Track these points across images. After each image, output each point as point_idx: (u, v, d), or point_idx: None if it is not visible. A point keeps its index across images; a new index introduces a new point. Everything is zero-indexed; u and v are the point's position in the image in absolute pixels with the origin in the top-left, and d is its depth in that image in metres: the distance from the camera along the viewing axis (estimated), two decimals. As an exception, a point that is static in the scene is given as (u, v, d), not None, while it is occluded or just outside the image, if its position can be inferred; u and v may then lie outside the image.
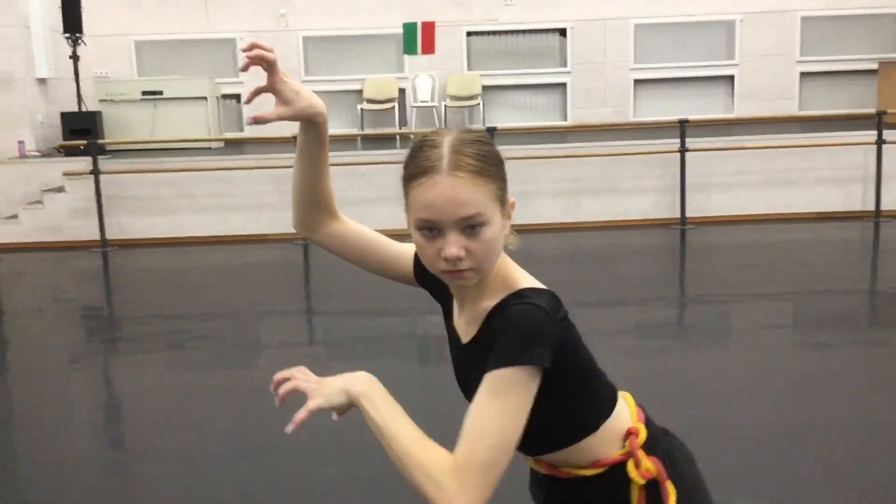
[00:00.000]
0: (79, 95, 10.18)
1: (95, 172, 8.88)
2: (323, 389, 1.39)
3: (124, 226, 9.23)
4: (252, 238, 9.19)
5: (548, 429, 1.45)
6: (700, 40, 11.92)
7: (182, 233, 9.23)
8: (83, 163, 9.07)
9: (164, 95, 10.46)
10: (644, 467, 1.48)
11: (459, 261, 1.37)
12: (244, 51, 1.51)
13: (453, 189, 1.35)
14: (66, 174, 9.17)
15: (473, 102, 11.41)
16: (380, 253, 1.68)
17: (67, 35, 9.96)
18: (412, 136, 11.14)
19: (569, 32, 11.75)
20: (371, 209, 9.24)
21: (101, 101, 10.44)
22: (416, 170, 1.38)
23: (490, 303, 1.47)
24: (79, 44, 10.07)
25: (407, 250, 1.67)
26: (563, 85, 11.88)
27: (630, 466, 1.49)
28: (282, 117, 1.53)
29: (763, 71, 11.73)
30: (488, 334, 1.42)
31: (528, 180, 9.30)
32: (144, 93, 10.47)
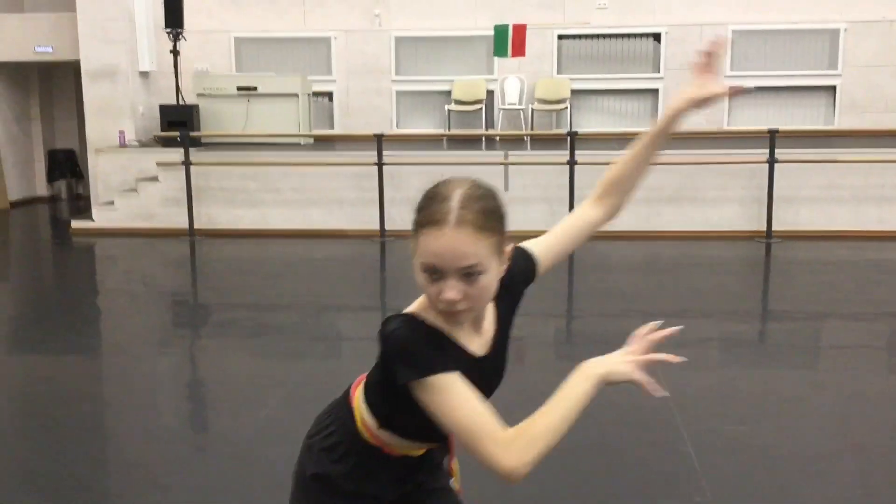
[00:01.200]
0: (177, 89, 10.61)
1: (186, 163, 9.25)
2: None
3: (212, 216, 9.57)
4: (331, 233, 9.37)
5: None
6: (801, 48, 11.48)
7: (265, 225, 9.50)
8: (176, 154, 9.46)
9: (258, 91, 10.78)
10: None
11: (457, 303, 1.53)
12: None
13: (457, 242, 1.50)
14: (159, 164, 9.58)
15: (561, 106, 11.32)
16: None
17: (169, 30, 10.39)
18: (498, 138, 11.17)
19: (663, 37, 11.52)
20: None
21: (198, 94, 10.85)
22: (425, 220, 1.53)
23: (493, 319, 1.72)
24: (179, 39, 10.50)
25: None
26: (656, 91, 11.65)
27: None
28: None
29: (867, 82, 11.20)
30: (499, 342, 1.73)
31: (608, 186, 9.18)
32: (240, 88, 10.80)
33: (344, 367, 5.21)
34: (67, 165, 12.79)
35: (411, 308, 1.65)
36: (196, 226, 9.41)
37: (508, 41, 11.61)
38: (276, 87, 10.76)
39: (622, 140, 10.09)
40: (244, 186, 9.56)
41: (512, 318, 1.76)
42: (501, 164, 9.29)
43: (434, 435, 1.66)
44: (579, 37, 11.69)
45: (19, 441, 3.96)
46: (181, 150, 9.33)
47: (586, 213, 1.96)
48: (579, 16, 11.63)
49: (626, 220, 8.96)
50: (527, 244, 1.83)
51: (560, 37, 11.67)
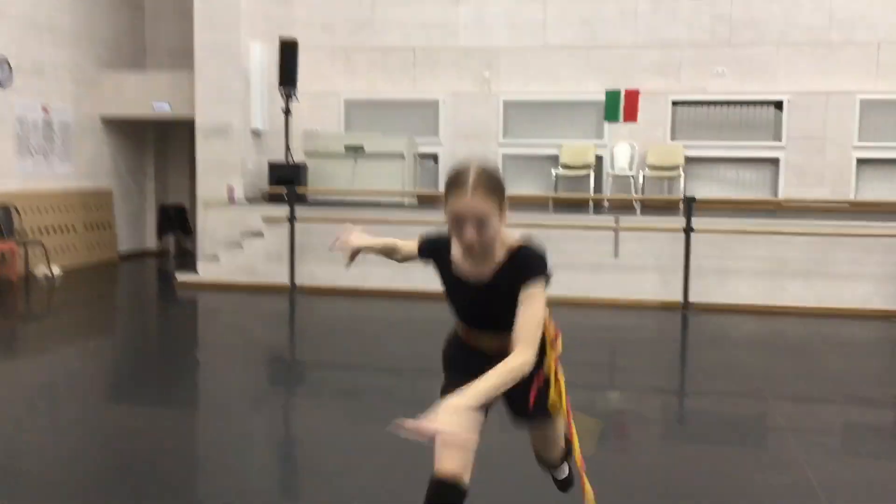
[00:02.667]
0: (287, 147, 10.68)
1: (291, 219, 9.20)
2: (450, 426, 2.18)
3: (313, 273, 9.46)
4: (431, 295, 9.08)
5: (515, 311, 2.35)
6: (938, 119, 10.74)
7: (365, 284, 9.32)
8: (282, 210, 9.43)
9: (365, 151, 10.76)
10: (550, 335, 2.61)
11: (472, 241, 2.31)
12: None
13: (472, 202, 2.27)
14: (265, 219, 9.57)
15: (674, 173, 10.87)
16: (404, 253, 2.80)
17: (282, 88, 10.52)
18: (607, 202, 10.78)
19: (785, 105, 10.98)
20: (555, 274, 8.92)
21: (306, 153, 10.90)
22: (452, 187, 2.32)
23: (499, 258, 2.40)
24: (292, 99, 10.61)
25: (412, 246, 2.73)
26: (776, 160, 11.07)
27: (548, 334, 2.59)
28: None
29: None
30: (503, 275, 2.38)
31: (728, 256, 8.65)
32: (347, 147, 10.81)
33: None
34: (177, 220, 13.04)
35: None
36: (297, 282, 9.30)
37: (620, 106, 11.35)
38: (382, 147, 10.72)
39: (740, 209, 9.59)
40: (348, 244, 9.42)
41: (515, 292, 2.35)
42: (612, 228, 8.88)
43: (464, 320, 2.61)
44: (695, 103, 11.27)
45: (101, 496, 3.72)
46: (286, 207, 9.30)
47: None
48: (695, 82, 11.24)
49: (749, 293, 8.48)
50: (536, 287, 2.37)
51: (675, 103, 11.28)
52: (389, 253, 2.79)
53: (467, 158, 2.40)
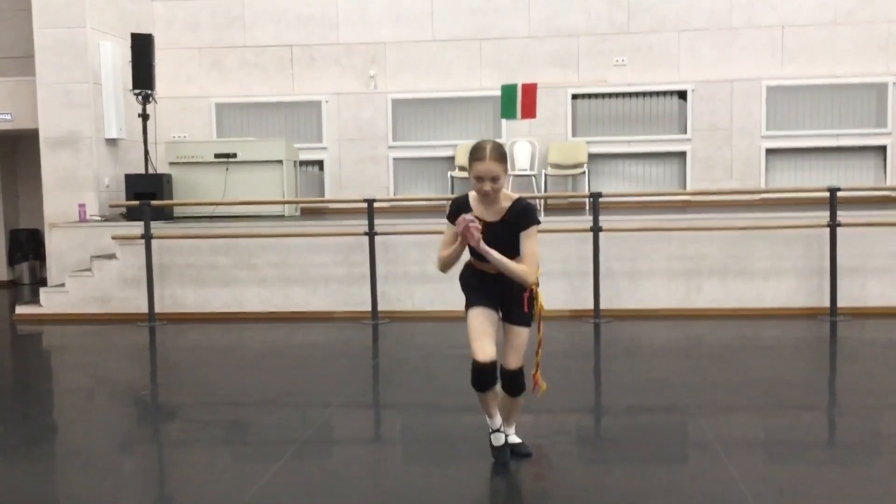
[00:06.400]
0: (146, 156, 9.45)
1: (147, 237, 7.98)
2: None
3: (177, 297, 8.26)
4: (316, 315, 8.04)
5: (516, 248, 3.62)
6: (845, 105, 10.28)
7: (239, 307, 8.18)
8: (137, 227, 8.20)
9: (238, 158, 9.62)
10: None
11: (488, 191, 3.56)
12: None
13: (490, 165, 3.53)
14: (114, 238, 8.31)
15: (578, 171, 10.09)
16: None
17: (137, 92, 9.29)
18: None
19: (689, 95, 10.36)
20: (452, 285, 7.98)
21: (171, 163, 9.68)
22: (475, 156, 3.57)
23: (504, 206, 3.64)
24: (149, 101, 9.39)
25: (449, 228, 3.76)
26: (683, 154, 10.43)
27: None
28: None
29: (923, 138, 9.98)
30: (508, 218, 3.62)
31: (639, 257, 7.87)
32: (217, 155, 9.66)
33: (331, 472, 3.98)
34: (31, 246, 11.55)
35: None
36: (159, 309, 8.08)
37: (517, 102, 10.47)
38: (257, 154, 9.62)
39: (649, 208, 8.84)
40: (214, 263, 8.27)
41: (518, 233, 3.62)
42: (513, 232, 7.99)
43: (478, 255, 3.62)
44: (596, 96, 10.54)
45: None
46: (142, 224, 8.07)
47: None
48: (595, 73, 10.52)
49: (663, 296, 7.64)
50: (533, 230, 3.65)
51: (574, 96, 10.53)
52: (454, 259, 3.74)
53: (483, 140, 3.62)
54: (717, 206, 9.42)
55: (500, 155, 3.55)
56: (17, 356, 7.66)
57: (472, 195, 3.67)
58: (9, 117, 10.11)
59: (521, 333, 3.75)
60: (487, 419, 3.92)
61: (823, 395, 5.44)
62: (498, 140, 10.40)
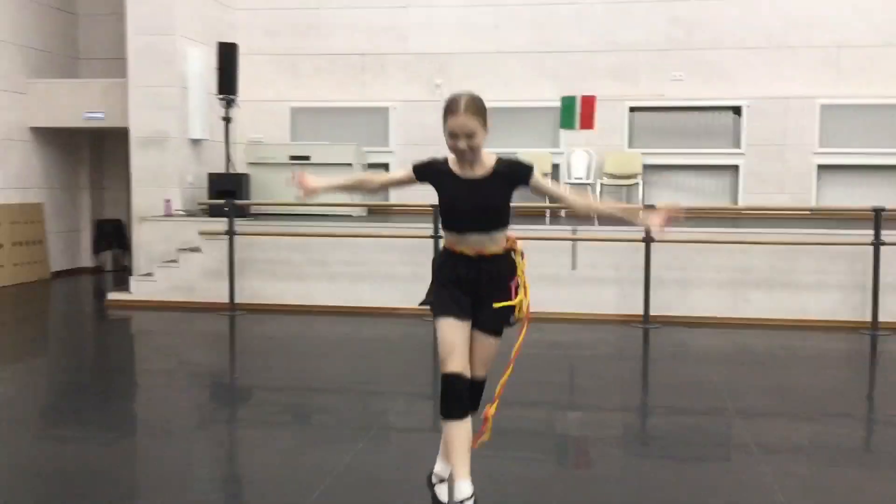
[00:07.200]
0: (228, 157, 10.13)
1: (231, 233, 8.64)
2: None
3: (255, 289, 8.91)
4: (381, 311, 8.61)
5: (504, 214, 3.22)
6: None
7: (310, 301, 8.79)
8: (222, 224, 8.87)
9: (311, 161, 10.24)
10: (518, 249, 3.31)
11: (464, 149, 3.12)
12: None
13: (464, 119, 3.08)
14: (201, 233, 9.00)
15: (632, 182, 10.52)
16: (381, 181, 3.80)
17: (222, 97, 9.98)
18: (563, 213, 10.37)
19: (744, 111, 10.71)
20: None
21: (249, 163, 10.36)
22: (449, 109, 3.11)
23: (488, 164, 3.20)
24: (232, 106, 10.07)
25: (400, 174, 3.45)
26: (735, 167, 10.78)
27: (516, 248, 3.31)
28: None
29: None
30: (496, 175, 3.18)
31: (689, 267, 8.29)
32: (292, 157, 10.29)
33: (390, 457, 4.45)
34: (115, 236, 12.36)
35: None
36: (238, 300, 8.74)
37: (576, 113, 10.95)
38: (329, 157, 10.22)
39: (700, 218, 9.24)
40: (289, 259, 8.91)
41: (509, 191, 3.20)
42: (569, 239, 8.48)
43: (457, 222, 3.22)
44: (653, 109, 10.95)
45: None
46: (226, 221, 8.75)
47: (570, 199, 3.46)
48: (653, 88, 10.93)
49: (710, 305, 8.10)
50: (536, 173, 3.22)
51: (632, 109, 10.95)
52: (357, 188, 3.40)
53: (458, 92, 3.14)
54: (767, 218, 9.78)
55: (477, 108, 3.06)
56: (108, 339, 8.40)
57: (451, 157, 3.21)
58: (101, 116, 10.90)
59: (492, 345, 3.25)
60: (438, 465, 3.38)
61: (862, 405, 5.80)
62: (555, 150, 10.95)
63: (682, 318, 8.20)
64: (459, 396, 3.08)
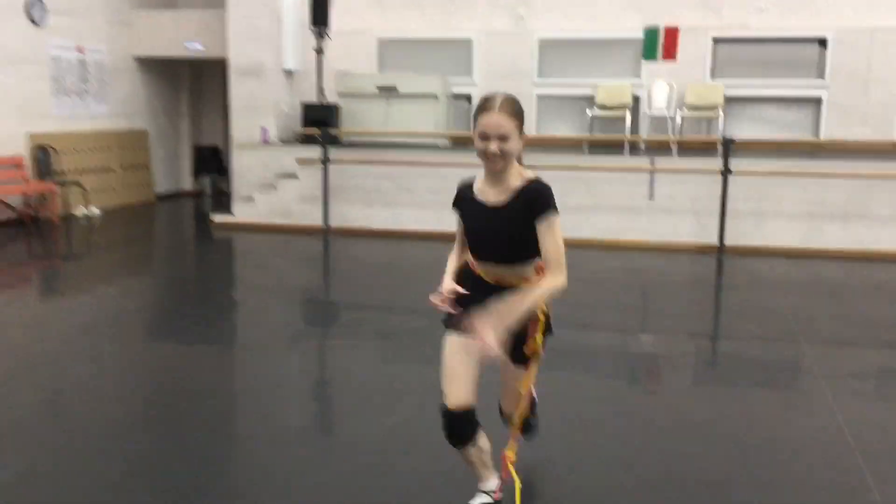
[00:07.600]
0: (319, 88, 10.63)
1: (325, 161, 9.19)
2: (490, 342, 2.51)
3: (346, 214, 9.49)
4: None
5: (528, 245, 2.67)
6: None
7: (398, 225, 9.33)
8: (315, 152, 9.43)
9: (398, 92, 10.67)
10: (544, 310, 2.82)
11: (495, 153, 2.62)
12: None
13: (498, 119, 2.60)
14: (299, 161, 9.58)
15: (713, 114, 10.65)
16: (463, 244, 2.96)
17: (314, 28, 10.42)
18: (643, 145, 10.62)
19: (829, 43, 10.66)
20: (588, 216, 8.91)
21: (339, 94, 10.84)
22: (482, 108, 2.64)
23: (515, 184, 2.69)
24: (324, 37, 10.51)
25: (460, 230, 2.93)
26: (818, 100, 10.79)
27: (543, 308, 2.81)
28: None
29: None
30: (517, 201, 2.67)
31: (766, 199, 8.52)
32: (380, 88, 10.72)
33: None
34: (213, 161, 13.10)
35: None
36: (331, 224, 9.34)
37: (659, 44, 11.08)
38: (415, 88, 10.62)
39: (780, 150, 9.37)
40: (378, 186, 9.44)
41: (531, 220, 2.65)
42: (648, 170, 8.77)
43: (477, 251, 2.80)
44: (736, 40, 10.98)
45: (141, 433, 3.83)
46: (320, 149, 9.30)
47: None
48: (737, 18, 10.93)
49: (784, 236, 8.36)
50: (552, 218, 2.65)
51: (715, 40, 11.00)
52: (462, 262, 2.91)
53: (494, 91, 2.73)
54: (846, 151, 9.85)
55: (515, 110, 2.63)
56: (213, 258, 9.13)
57: (479, 177, 2.79)
58: (200, 47, 11.49)
59: (521, 375, 2.89)
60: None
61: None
62: (636, 81, 11.04)
63: (756, 248, 8.46)
64: (463, 431, 2.78)
